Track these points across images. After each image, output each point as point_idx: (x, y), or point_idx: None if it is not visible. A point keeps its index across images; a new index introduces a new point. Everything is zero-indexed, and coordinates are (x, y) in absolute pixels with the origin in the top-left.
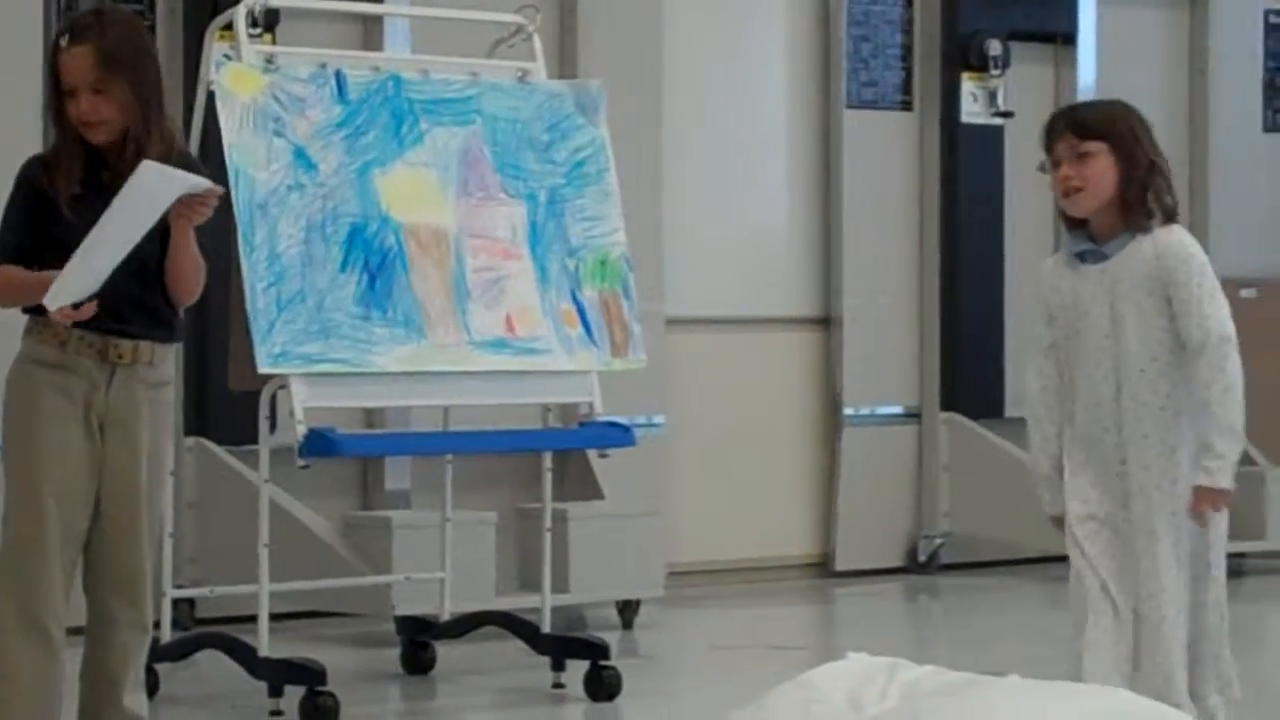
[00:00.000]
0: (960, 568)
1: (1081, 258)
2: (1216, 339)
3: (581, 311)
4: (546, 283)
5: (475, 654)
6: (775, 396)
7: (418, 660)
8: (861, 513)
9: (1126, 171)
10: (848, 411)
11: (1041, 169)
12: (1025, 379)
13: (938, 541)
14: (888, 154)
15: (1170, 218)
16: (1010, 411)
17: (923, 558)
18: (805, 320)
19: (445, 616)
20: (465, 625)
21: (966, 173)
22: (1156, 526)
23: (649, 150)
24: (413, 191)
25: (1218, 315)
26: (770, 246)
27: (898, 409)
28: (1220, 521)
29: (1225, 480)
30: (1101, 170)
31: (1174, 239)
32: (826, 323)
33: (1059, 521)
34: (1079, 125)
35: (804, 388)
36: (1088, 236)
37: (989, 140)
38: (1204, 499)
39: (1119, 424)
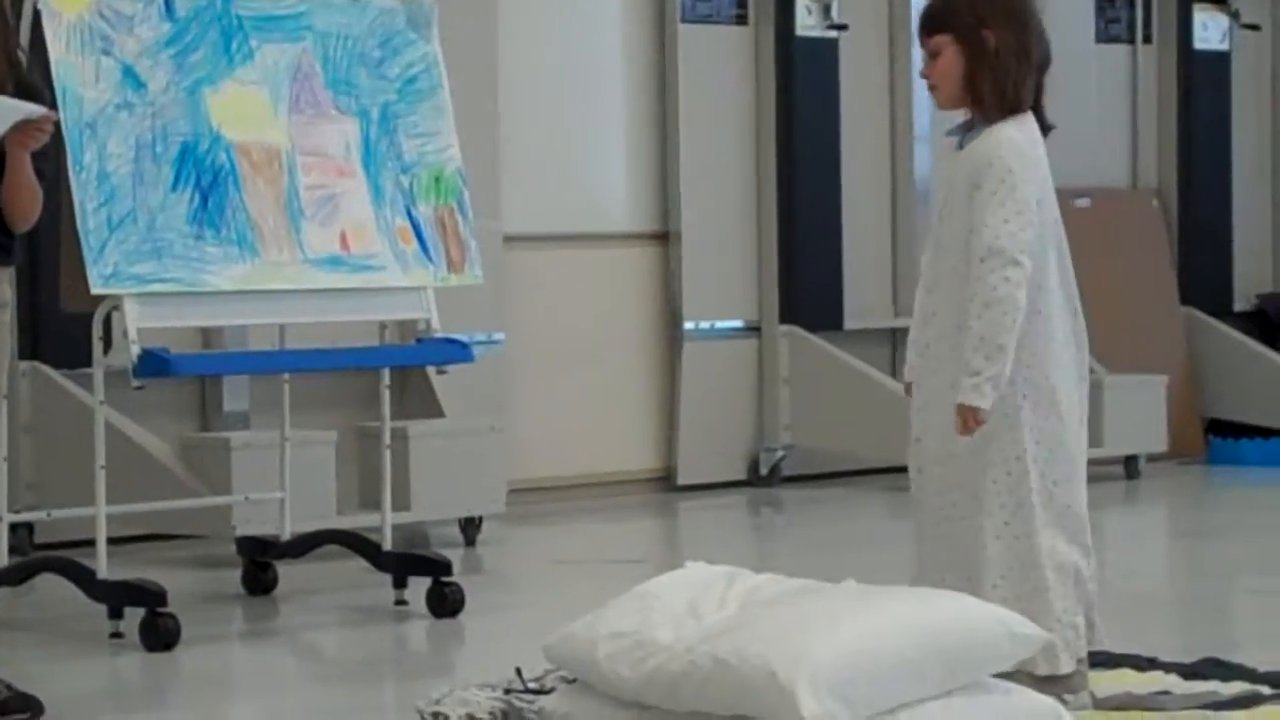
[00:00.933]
0: (801, 480)
1: (960, 138)
2: (986, 250)
3: (416, 228)
4: (381, 200)
5: (317, 573)
6: (615, 312)
7: (259, 580)
8: (703, 427)
9: (971, 60)
10: (688, 326)
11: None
12: None
13: (779, 454)
14: (723, 68)
15: (1011, 109)
16: (849, 324)
17: (764, 470)
18: (643, 236)
19: (286, 536)
20: (306, 545)
21: (802, 86)
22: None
23: (484, 66)
24: (243, 109)
25: (995, 227)
26: (607, 163)
27: (737, 323)
28: (1001, 444)
29: (978, 398)
30: (948, 63)
31: (993, 139)
32: (665, 238)
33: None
34: (924, 20)
35: (643, 303)
36: (962, 124)
37: (824, 53)
38: (960, 416)
39: (926, 320)
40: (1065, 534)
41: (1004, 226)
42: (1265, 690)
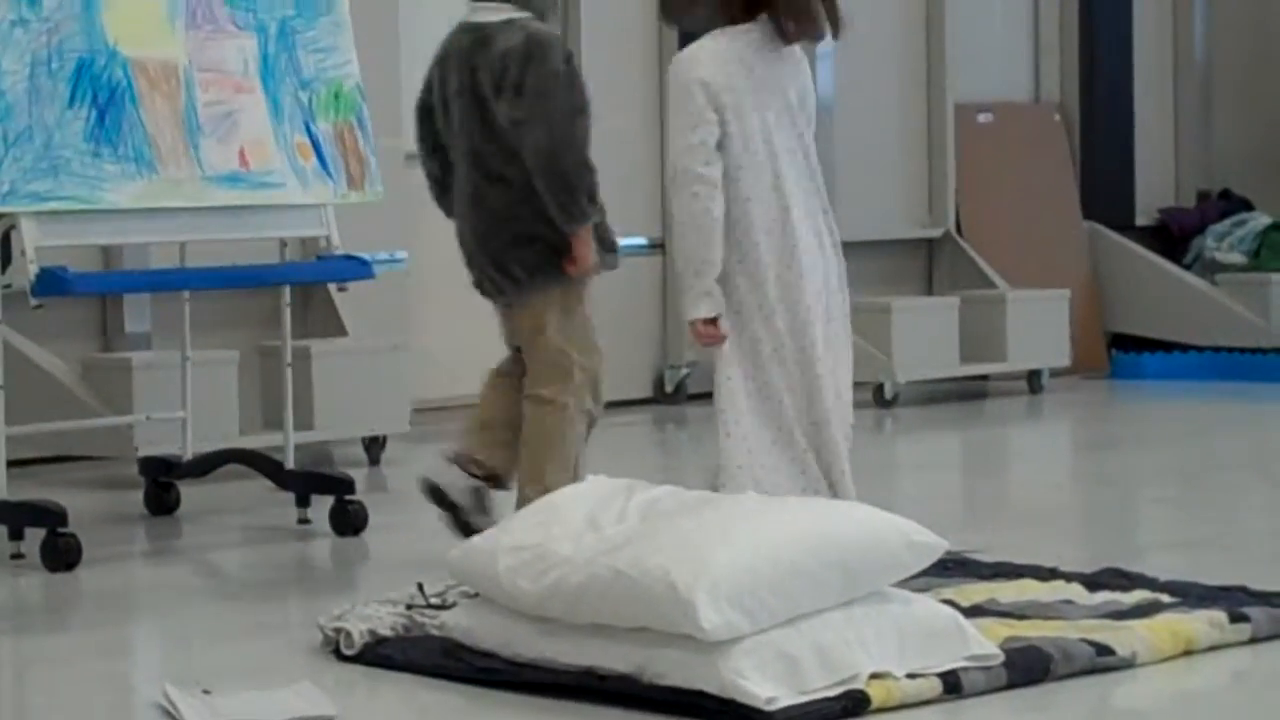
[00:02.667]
0: (707, 397)
1: None
2: (672, 172)
3: (316, 144)
4: (279, 116)
5: (219, 493)
6: None
7: (161, 500)
8: (608, 345)
9: None
10: None
11: None
12: None
13: (684, 372)
14: None
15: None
16: None
17: (669, 388)
18: None
19: (188, 456)
20: (208, 464)
21: None
22: None
23: None
24: (140, 25)
25: (676, 147)
26: None
27: (642, 240)
28: (722, 363)
29: (687, 310)
30: None
31: (676, 58)
32: None
33: None
34: None
35: None
36: None
37: None
38: (690, 331)
39: None
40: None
41: (680, 144)
42: (1165, 599)
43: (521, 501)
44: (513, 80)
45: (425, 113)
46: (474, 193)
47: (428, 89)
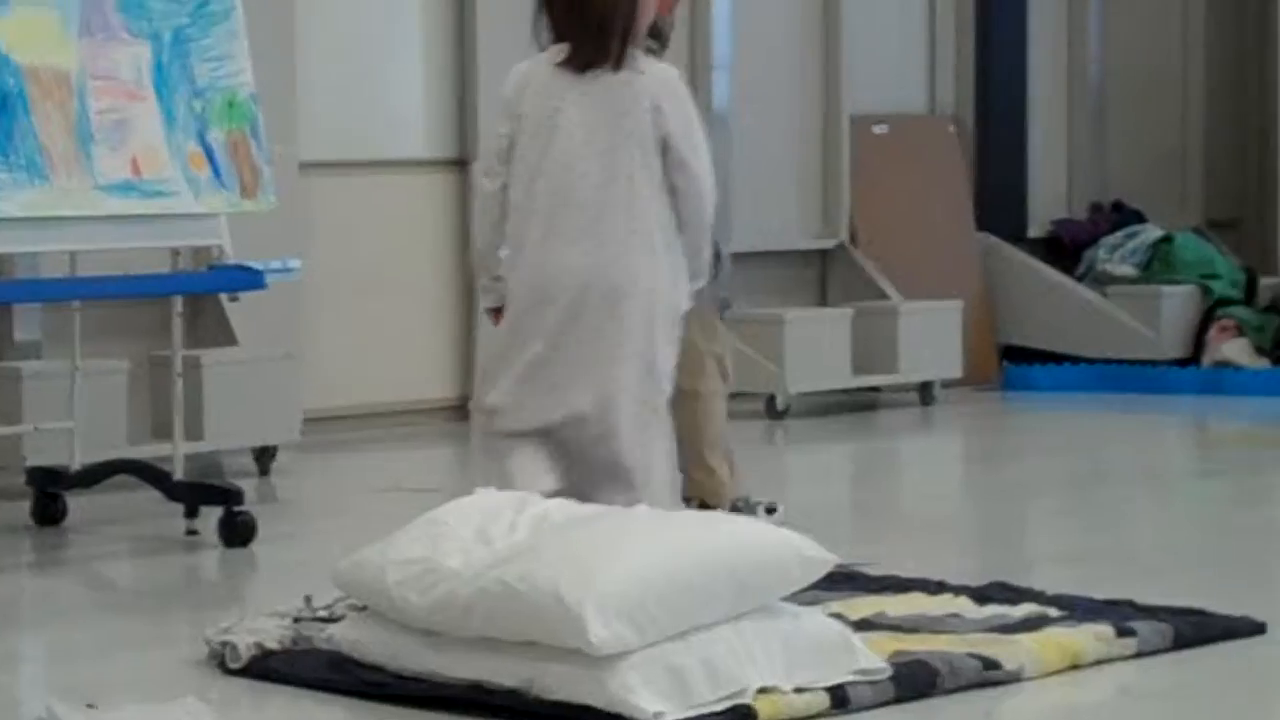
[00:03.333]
0: None
1: None
2: None
3: (209, 153)
4: (173, 124)
5: (108, 503)
6: (412, 239)
7: (48, 511)
8: None
9: None
10: None
11: None
12: None
13: None
14: None
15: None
16: None
17: None
18: (441, 162)
19: (76, 466)
20: (96, 475)
21: None
22: None
23: None
24: (33, 32)
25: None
26: (405, 89)
27: None
28: None
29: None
30: None
31: None
32: (463, 165)
33: None
34: None
35: (440, 231)
36: None
37: None
38: None
39: None
40: None
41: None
42: (1052, 612)
43: (693, 487)
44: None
45: None
46: None
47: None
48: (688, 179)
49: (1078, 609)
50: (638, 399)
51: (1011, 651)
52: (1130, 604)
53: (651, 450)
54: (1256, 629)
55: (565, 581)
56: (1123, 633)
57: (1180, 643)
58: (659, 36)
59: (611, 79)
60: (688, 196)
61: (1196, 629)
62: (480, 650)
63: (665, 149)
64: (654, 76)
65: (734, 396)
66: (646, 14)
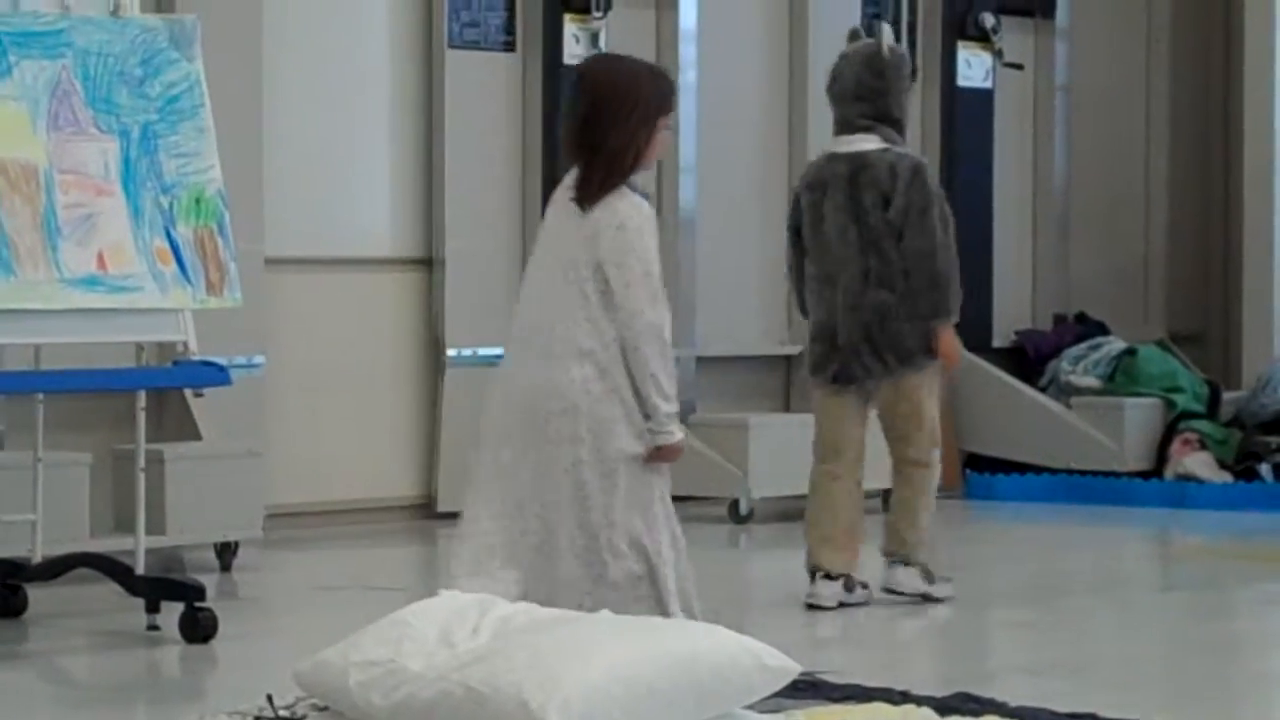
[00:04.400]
0: None
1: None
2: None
3: (175, 249)
4: (140, 219)
5: (68, 596)
6: (377, 338)
7: (8, 604)
8: (464, 454)
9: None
10: (450, 353)
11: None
12: None
13: None
14: (490, 95)
15: None
16: None
17: None
18: (407, 261)
19: (37, 559)
20: (57, 567)
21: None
22: None
23: (248, 87)
24: (2, 125)
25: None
26: (372, 188)
27: (499, 350)
28: None
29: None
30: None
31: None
32: (429, 264)
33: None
34: (665, 100)
35: (406, 329)
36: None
37: None
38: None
39: None
40: None
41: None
42: None
43: (910, 546)
44: (901, 196)
45: (795, 232)
46: (860, 291)
47: (796, 210)
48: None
49: None
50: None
51: None
52: (1093, 717)
53: None
54: None
55: (529, 685)
56: None
57: None
58: None
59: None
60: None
61: None
62: None
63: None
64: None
65: (697, 500)
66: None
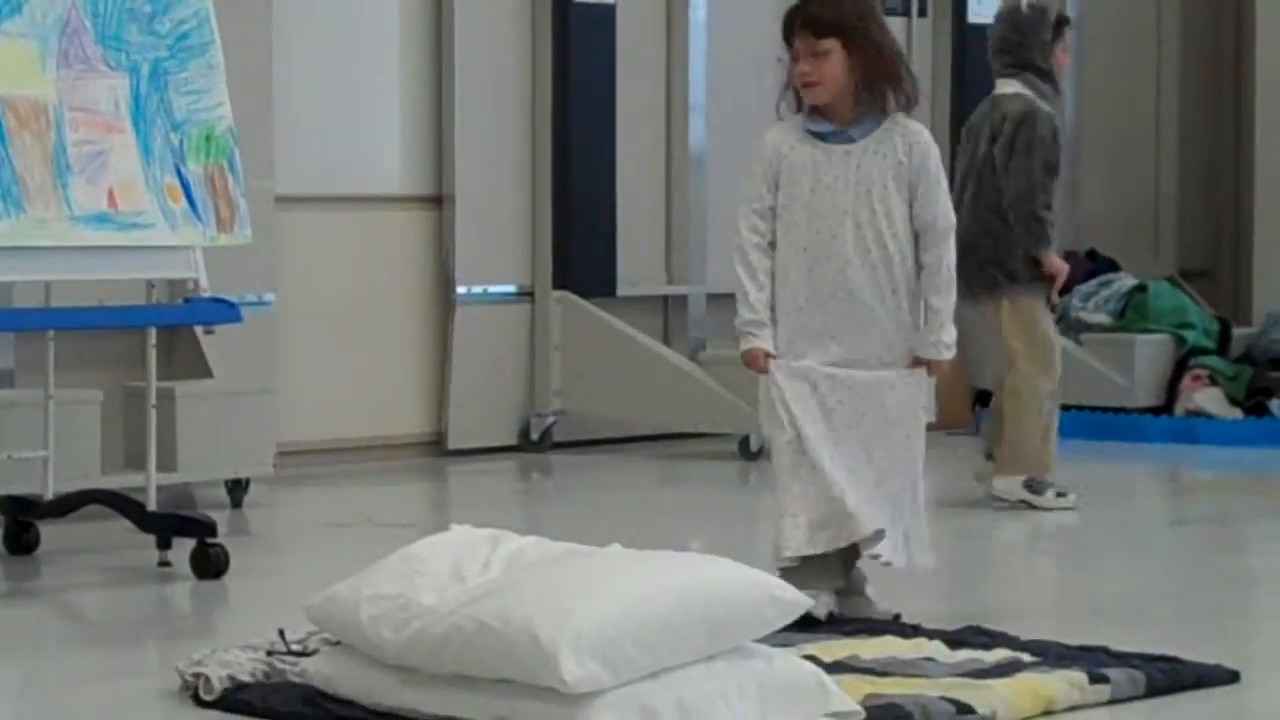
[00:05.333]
0: (573, 445)
1: (824, 137)
2: (947, 225)
3: (186, 186)
4: (150, 157)
5: (80, 533)
6: (387, 275)
7: (20, 540)
8: (474, 391)
9: (863, 64)
10: (460, 291)
11: (780, 60)
12: (739, 232)
13: (550, 420)
14: (501, 32)
15: (909, 107)
16: (622, 291)
17: (535, 436)
18: (417, 199)
19: (49, 496)
20: (69, 504)
21: (579, 52)
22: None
23: (257, 24)
24: (10, 63)
25: (945, 205)
26: (382, 125)
27: (510, 288)
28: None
29: (949, 349)
30: (836, 65)
31: (920, 131)
32: (439, 201)
33: (759, 358)
34: (813, 22)
35: (416, 266)
36: (826, 119)
37: (601, 20)
38: (938, 367)
39: (850, 291)
40: None
41: (949, 205)
42: (1026, 658)
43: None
44: (1008, 137)
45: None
46: (979, 214)
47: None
48: None
49: (1051, 655)
50: None
51: (985, 696)
52: (1105, 650)
53: None
54: (1230, 677)
55: (540, 619)
56: (1096, 679)
57: (1154, 690)
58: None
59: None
60: None
61: (1170, 677)
62: (455, 687)
63: None
64: None
65: (707, 437)
66: None
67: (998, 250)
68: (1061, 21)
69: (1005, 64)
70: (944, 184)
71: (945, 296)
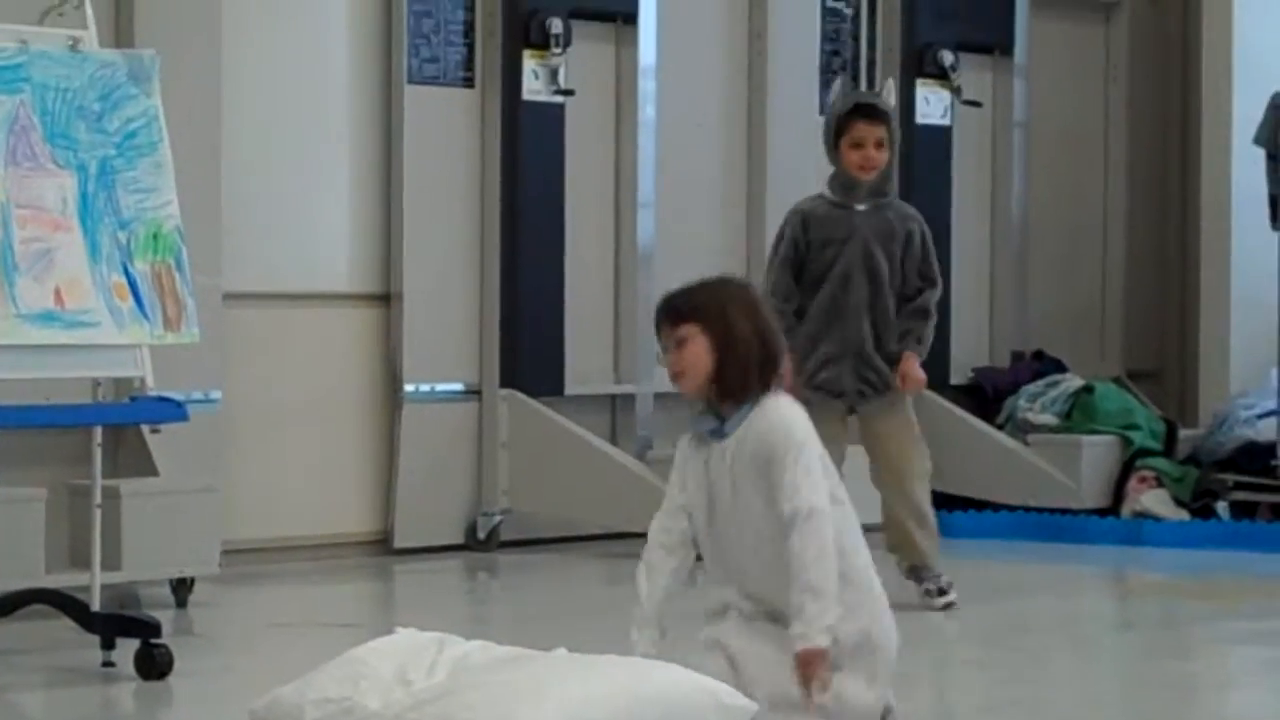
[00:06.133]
0: (519, 544)
1: (712, 434)
2: (808, 511)
3: (133, 284)
4: (97, 255)
5: (24, 633)
6: (335, 373)
7: None
8: (421, 490)
9: (723, 350)
10: (408, 389)
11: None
12: (650, 529)
13: (497, 519)
14: (449, 130)
15: (765, 387)
16: (570, 389)
17: (482, 535)
18: (365, 296)
19: None
20: (12, 604)
21: (528, 150)
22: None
23: (206, 122)
24: None
25: (806, 489)
26: (330, 222)
27: (458, 386)
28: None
29: (824, 640)
30: (696, 351)
31: (774, 413)
32: (387, 299)
33: None
34: (671, 311)
35: (364, 364)
36: (715, 412)
37: (550, 118)
38: (809, 662)
39: (760, 596)
40: None
41: (810, 485)
42: None
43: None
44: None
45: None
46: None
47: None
48: None
49: None
50: None
51: None
52: None
53: None
54: None
55: None
56: None
57: None
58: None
59: None
60: None
61: None
62: None
63: None
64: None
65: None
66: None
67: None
68: (841, 119)
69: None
70: (803, 464)
71: (807, 581)
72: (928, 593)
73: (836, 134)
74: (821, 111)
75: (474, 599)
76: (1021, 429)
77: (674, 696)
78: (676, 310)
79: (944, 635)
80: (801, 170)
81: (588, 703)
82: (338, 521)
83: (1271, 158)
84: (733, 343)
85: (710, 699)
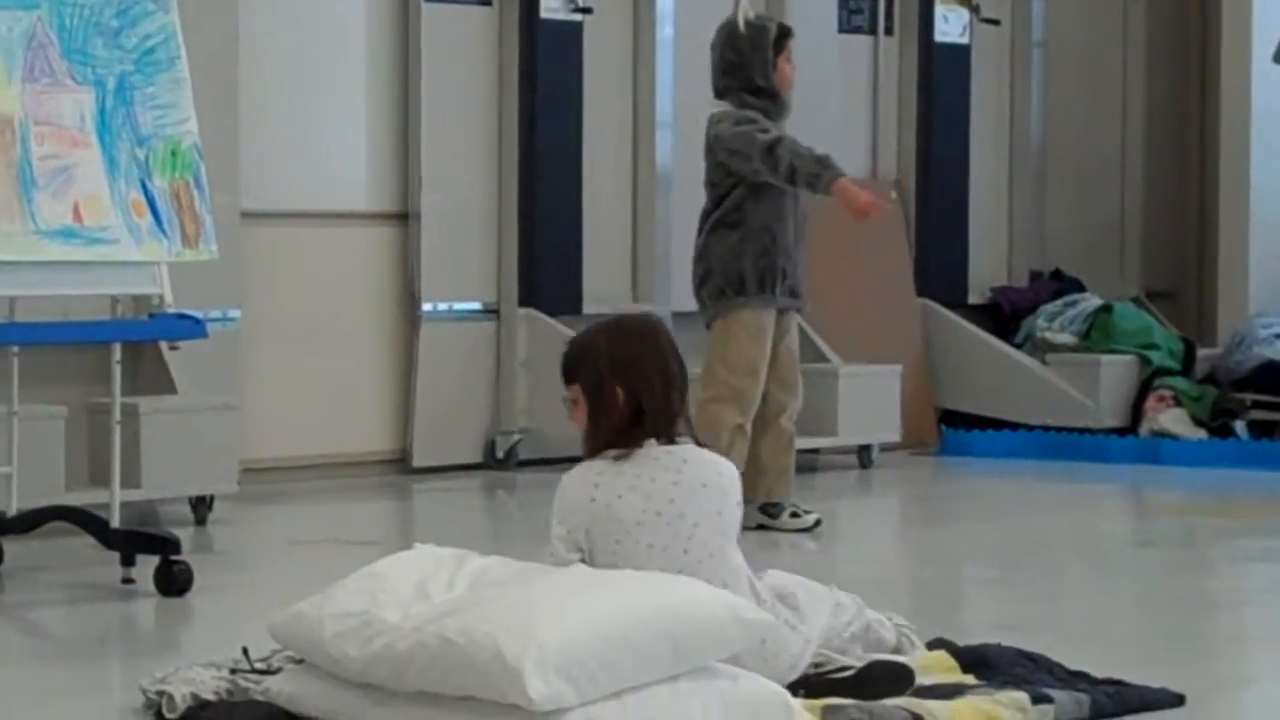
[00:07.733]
0: (537, 463)
1: None
2: None
3: (151, 201)
4: (115, 171)
5: (43, 550)
6: (353, 292)
7: None
8: (439, 409)
9: (594, 408)
10: (425, 308)
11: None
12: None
13: (515, 438)
14: (467, 49)
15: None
16: (589, 308)
17: (500, 454)
18: (383, 215)
19: (12, 512)
20: (33, 520)
21: (546, 69)
22: None
23: (224, 40)
24: None
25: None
26: (348, 141)
27: (476, 305)
28: None
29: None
30: (583, 410)
31: None
32: (405, 218)
33: None
34: (563, 370)
35: (382, 283)
36: None
37: (568, 36)
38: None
39: None
40: None
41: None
42: (970, 680)
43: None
44: (712, 153)
45: None
46: (705, 228)
47: None
48: None
49: (995, 678)
50: None
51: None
52: (1052, 671)
53: None
54: (1175, 701)
55: (505, 637)
56: (1039, 700)
57: (1098, 713)
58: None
59: None
60: None
61: (1115, 700)
62: (419, 704)
63: None
64: None
65: None
66: None
67: (725, 260)
68: (784, 33)
69: (722, 85)
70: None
71: None
72: (795, 514)
73: (776, 49)
74: (841, 29)
75: (492, 517)
76: (1040, 348)
77: (692, 610)
78: (565, 370)
79: (960, 552)
80: (820, 84)
81: (607, 615)
82: (356, 440)
83: None
84: (601, 401)
85: (730, 613)
